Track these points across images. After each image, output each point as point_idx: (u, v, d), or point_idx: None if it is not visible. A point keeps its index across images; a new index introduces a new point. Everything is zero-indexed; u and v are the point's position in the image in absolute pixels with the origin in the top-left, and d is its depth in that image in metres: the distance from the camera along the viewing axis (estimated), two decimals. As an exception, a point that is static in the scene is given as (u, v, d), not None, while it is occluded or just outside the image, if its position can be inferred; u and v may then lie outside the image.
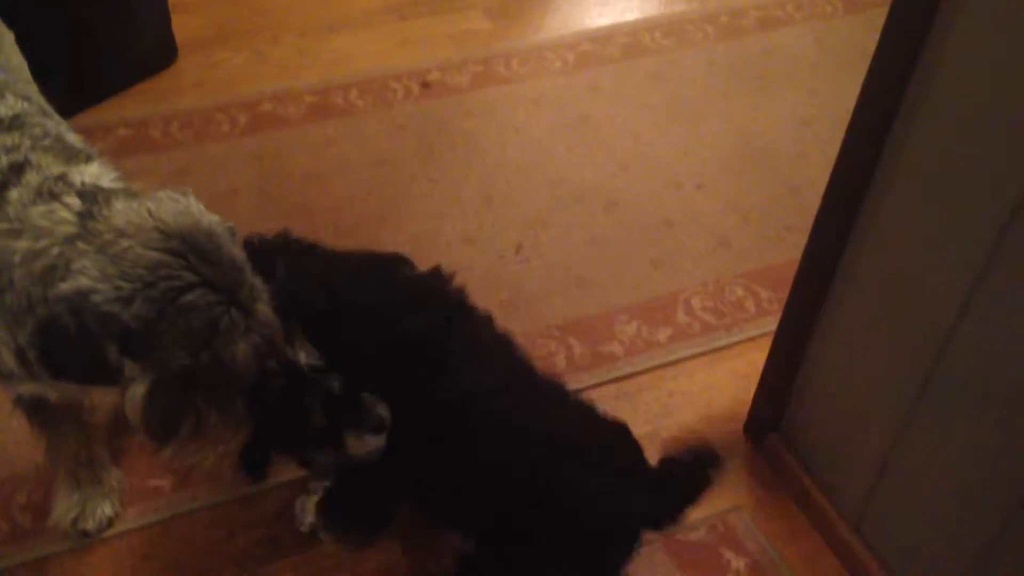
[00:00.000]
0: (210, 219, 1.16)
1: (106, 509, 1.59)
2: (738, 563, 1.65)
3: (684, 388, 1.93)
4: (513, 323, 2.01)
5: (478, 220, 2.29)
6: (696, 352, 2.01)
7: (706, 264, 2.21)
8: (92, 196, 1.18)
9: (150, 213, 1.13)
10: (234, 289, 1.12)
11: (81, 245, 1.11)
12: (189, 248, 1.10)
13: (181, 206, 1.16)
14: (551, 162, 2.47)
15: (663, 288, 2.15)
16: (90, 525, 1.58)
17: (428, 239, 2.24)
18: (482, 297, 2.05)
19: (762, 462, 1.80)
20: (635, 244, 2.26)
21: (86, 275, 1.08)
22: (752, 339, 2.02)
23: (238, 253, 1.16)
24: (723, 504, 1.72)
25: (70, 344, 1.08)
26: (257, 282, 1.16)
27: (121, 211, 1.14)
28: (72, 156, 1.30)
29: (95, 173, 1.28)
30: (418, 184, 2.39)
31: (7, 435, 1.73)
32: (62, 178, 1.23)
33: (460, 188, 2.38)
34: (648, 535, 1.44)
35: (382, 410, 1.27)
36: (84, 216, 1.15)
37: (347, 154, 2.46)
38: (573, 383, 1.92)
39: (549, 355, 1.98)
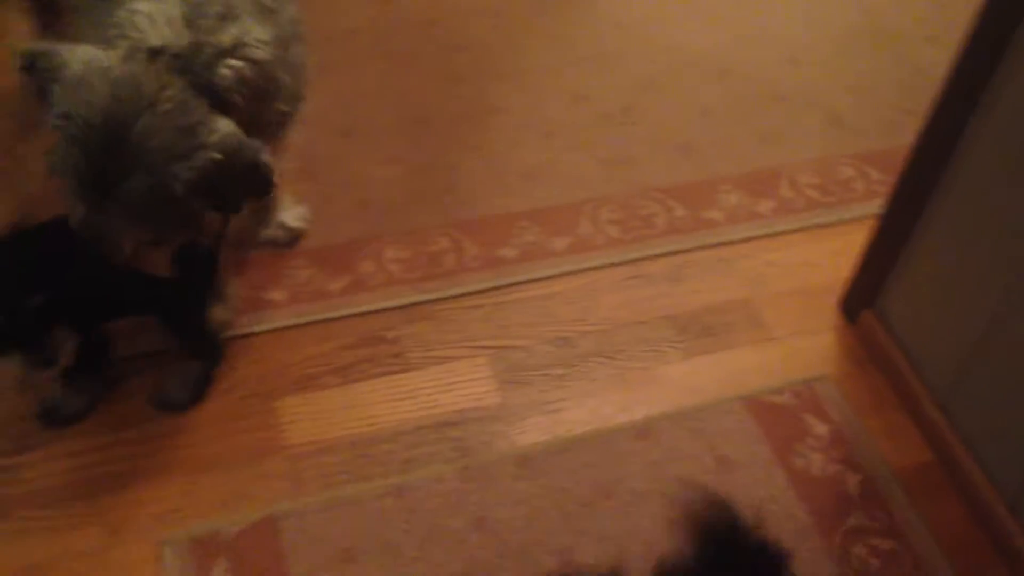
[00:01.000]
0: None
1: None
2: (820, 428, 1.68)
3: (782, 259, 1.94)
4: (613, 184, 2.03)
5: (588, 79, 2.29)
6: (797, 227, 2.00)
7: (816, 141, 2.18)
8: None
9: None
10: None
11: None
12: None
13: None
14: (667, 27, 2.44)
15: (769, 161, 2.13)
16: (281, 240, 1.80)
17: (535, 93, 2.24)
18: (582, 154, 2.08)
19: (853, 338, 1.81)
20: (744, 116, 2.23)
21: None
22: (857, 219, 2.00)
23: None
24: (810, 373, 1.75)
25: None
26: None
27: None
28: None
29: None
30: (532, 39, 2.38)
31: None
32: None
33: (573, 46, 2.37)
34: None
35: None
36: None
37: (465, 4, 2.45)
38: (670, 245, 1.94)
39: (650, 216, 2.00)
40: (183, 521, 1.50)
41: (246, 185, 1.35)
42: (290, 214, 1.85)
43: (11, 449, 1.56)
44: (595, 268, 1.88)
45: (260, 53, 1.32)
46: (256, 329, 1.74)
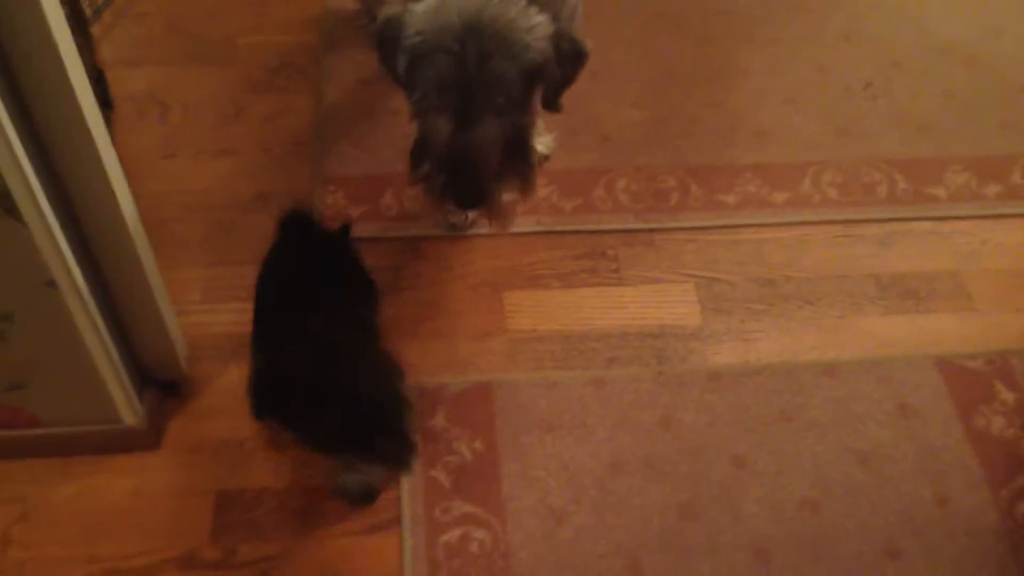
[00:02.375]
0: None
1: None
2: (1007, 395, 1.74)
3: (999, 240, 1.99)
4: (842, 151, 2.14)
5: (834, 53, 2.39)
6: (1021, 212, 2.03)
7: (1059, 136, 2.18)
8: None
9: None
10: None
11: None
12: None
13: None
14: (922, 12, 2.49)
15: (1005, 149, 2.16)
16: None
17: (783, 61, 2.37)
18: (816, 121, 2.20)
19: (1059, 322, 1.85)
20: (985, 104, 2.26)
21: None
22: (1087, 215, 2.01)
23: None
24: (1009, 344, 1.81)
25: None
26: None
27: None
28: None
29: None
30: (789, 11, 2.51)
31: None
32: None
33: (827, 21, 2.48)
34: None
35: None
36: None
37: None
38: (887, 214, 2.03)
39: (872, 184, 2.09)
40: (417, 375, 1.77)
41: (571, 64, 1.57)
42: (541, 140, 2.09)
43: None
44: (809, 223, 2.01)
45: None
46: (496, 231, 2.00)
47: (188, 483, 1.62)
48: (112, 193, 1.36)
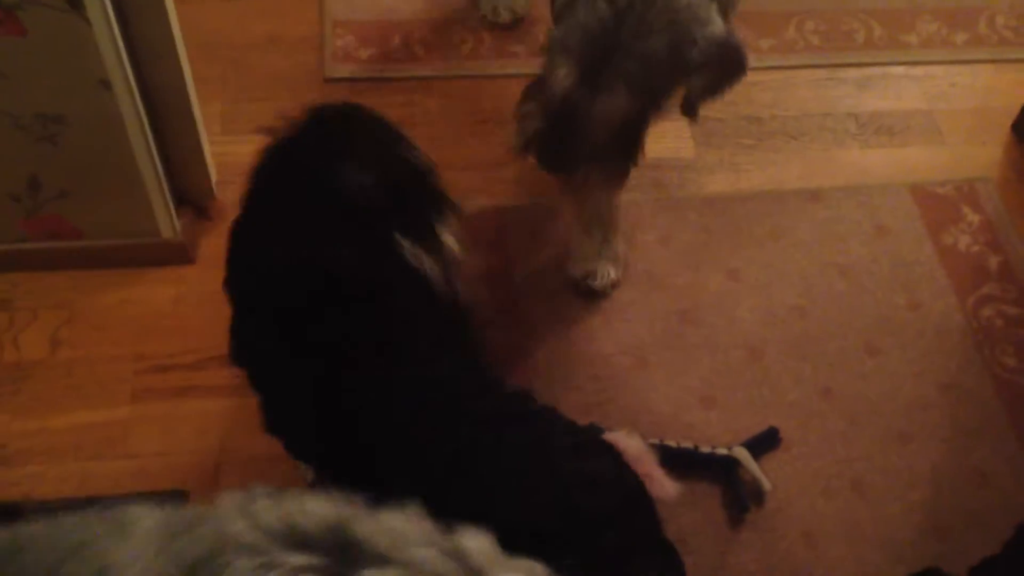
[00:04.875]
0: None
1: (612, 272, 1.77)
2: (972, 217, 1.92)
3: (966, 83, 2.14)
4: (823, 1, 2.26)
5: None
6: (987, 58, 2.19)
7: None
8: None
9: None
10: None
11: None
12: None
13: None
14: None
15: (971, 1, 2.30)
16: (597, 284, 1.75)
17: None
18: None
19: (1019, 154, 2.02)
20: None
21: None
22: (1046, 58, 2.17)
23: None
24: (975, 173, 1.98)
25: None
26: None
27: None
28: None
29: None
30: None
31: None
32: None
33: None
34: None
35: None
36: None
37: None
38: (865, 57, 2.17)
39: (850, 31, 2.22)
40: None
41: (728, 77, 1.40)
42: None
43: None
44: (794, 67, 2.14)
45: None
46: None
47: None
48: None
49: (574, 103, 1.31)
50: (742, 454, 1.57)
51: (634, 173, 1.91)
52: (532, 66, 2.06)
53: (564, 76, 1.30)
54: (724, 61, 1.34)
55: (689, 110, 1.44)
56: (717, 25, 1.31)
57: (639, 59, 1.27)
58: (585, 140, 1.34)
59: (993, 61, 2.18)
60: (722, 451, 1.58)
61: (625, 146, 1.43)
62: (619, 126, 1.35)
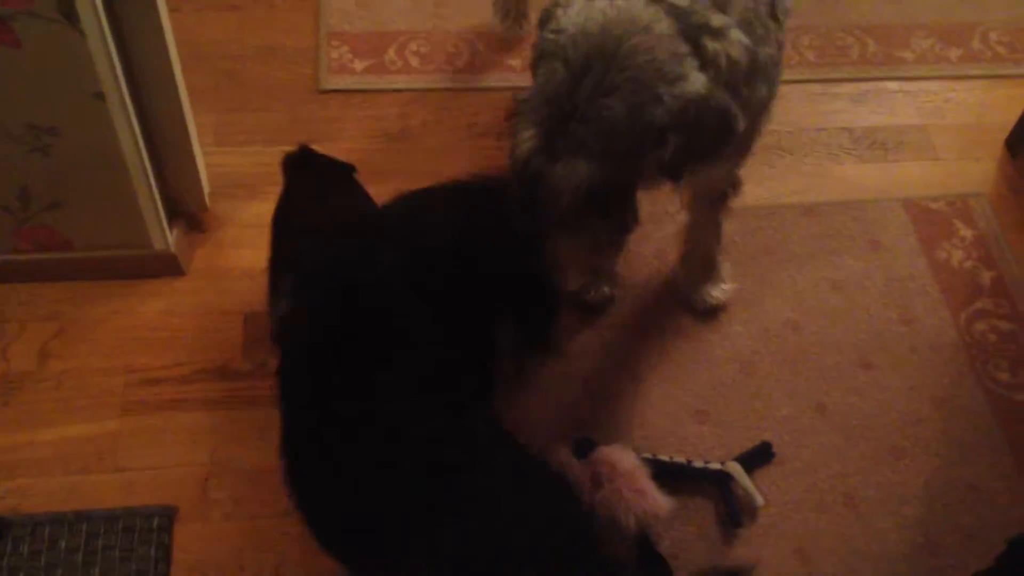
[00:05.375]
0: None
1: (716, 294, 1.78)
2: (966, 232, 1.92)
3: (961, 99, 2.15)
4: (815, 17, 2.26)
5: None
6: (980, 74, 2.19)
7: (1017, 5, 2.34)
8: None
9: None
10: None
11: None
12: None
13: None
14: None
15: (967, 17, 2.31)
16: (699, 307, 1.79)
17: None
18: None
19: (1013, 169, 2.02)
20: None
21: None
22: (1037, 75, 2.18)
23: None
24: (968, 188, 1.98)
25: None
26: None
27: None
28: None
29: None
30: None
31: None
32: None
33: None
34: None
35: None
36: None
37: None
38: (860, 72, 2.18)
39: (845, 47, 2.23)
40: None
41: (712, 136, 1.24)
42: (719, 287, 1.82)
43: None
44: (789, 81, 2.14)
45: (736, 51, 1.20)
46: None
47: (217, 305, 1.72)
48: (155, 9, 1.44)
49: (534, 169, 1.21)
50: (735, 469, 1.57)
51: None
52: (526, 79, 2.08)
53: (525, 140, 1.21)
54: (702, 121, 1.19)
55: (671, 174, 1.29)
56: (692, 82, 1.17)
57: (594, 124, 1.16)
58: (549, 206, 1.23)
59: (987, 77, 2.19)
60: (715, 466, 1.57)
61: (607, 213, 1.29)
62: (587, 194, 1.22)
